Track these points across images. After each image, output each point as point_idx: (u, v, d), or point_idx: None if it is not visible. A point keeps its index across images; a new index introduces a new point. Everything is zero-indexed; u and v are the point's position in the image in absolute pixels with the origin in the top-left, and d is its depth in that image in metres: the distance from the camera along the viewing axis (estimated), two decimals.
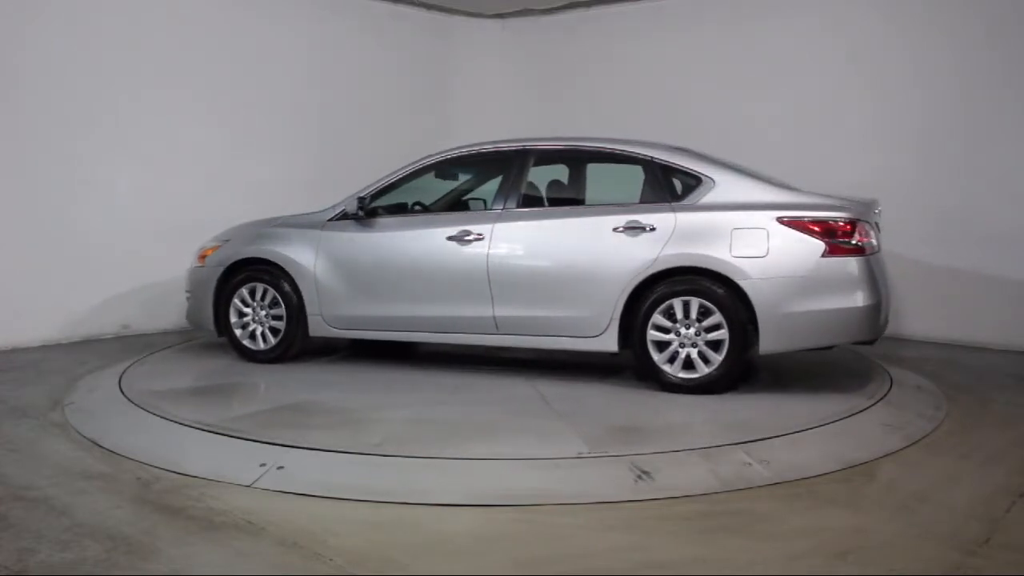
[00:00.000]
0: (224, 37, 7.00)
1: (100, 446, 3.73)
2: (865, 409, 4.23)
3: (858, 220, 4.39)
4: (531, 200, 5.03)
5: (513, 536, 2.82)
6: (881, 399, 4.44)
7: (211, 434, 3.73)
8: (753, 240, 4.42)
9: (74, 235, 6.20)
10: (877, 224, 4.67)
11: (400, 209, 5.35)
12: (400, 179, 5.25)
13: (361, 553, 2.66)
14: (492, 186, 5.20)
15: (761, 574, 2.54)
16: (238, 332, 5.42)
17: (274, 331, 5.33)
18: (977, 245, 6.26)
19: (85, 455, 3.62)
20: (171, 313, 6.78)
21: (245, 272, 5.39)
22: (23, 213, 5.96)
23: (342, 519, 2.94)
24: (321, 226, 5.28)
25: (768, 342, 4.41)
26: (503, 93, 8.73)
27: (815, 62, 6.95)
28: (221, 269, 5.45)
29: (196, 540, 2.73)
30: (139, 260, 6.54)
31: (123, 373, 4.97)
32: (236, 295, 5.41)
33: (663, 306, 4.53)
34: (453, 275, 4.93)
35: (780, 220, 4.41)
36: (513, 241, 4.86)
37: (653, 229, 4.57)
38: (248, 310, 5.40)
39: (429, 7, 8.43)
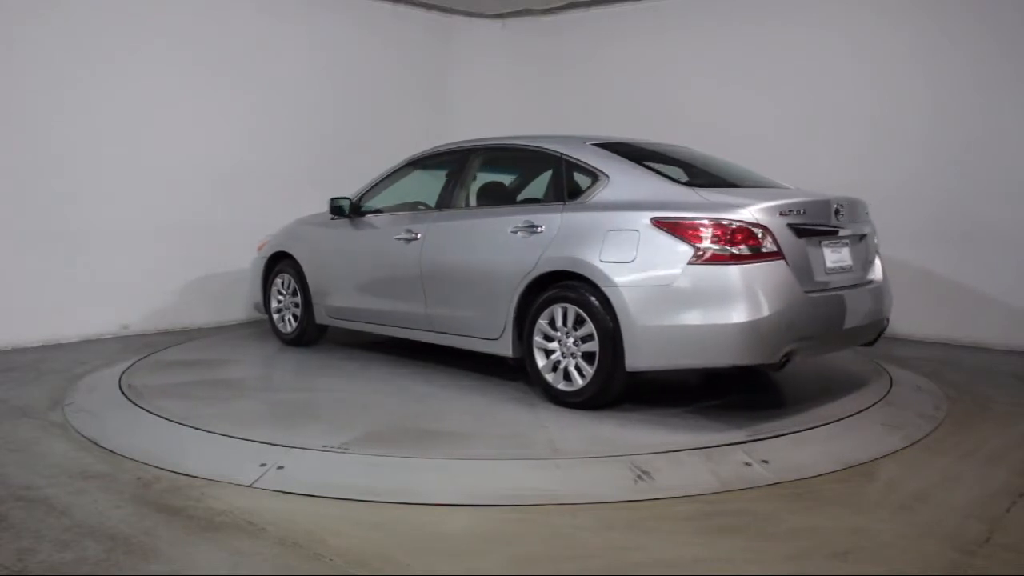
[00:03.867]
0: (224, 36, 7.00)
1: (100, 446, 3.73)
2: (865, 409, 4.24)
3: (747, 223, 3.80)
4: (470, 199, 5.12)
5: (513, 536, 2.82)
6: (881, 399, 4.44)
7: (211, 434, 3.74)
8: (624, 243, 3.99)
9: (74, 235, 6.20)
10: (796, 226, 3.94)
11: (388, 208, 5.60)
12: (381, 180, 5.62)
13: (361, 553, 2.66)
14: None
15: (761, 574, 2.54)
16: (275, 317, 6.15)
17: (296, 318, 5.99)
18: (978, 245, 6.27)
19: (85, 455, 3.62)
20: (171, 312, 6.79)
21: (280, 264, 6.09)
22: (23, 213, 5.96)
23: (342, 519, 2.93)
24: (324, 224, 5.78)
25: (633, 357, 3.94)
26: (503, 93, 8.73)
27: (816, 61, 6.96)
28: (264, 260, 6.22)
29: (196, 540, 2.73)
30: (139, 260, 6.54)
31: (123, 373, 4.97)
32: (274, 284, 6.12)
33: (546, 312, 4.28)
34: (399, 272, 5.16)
35: (654, 221, 3.94)
36: (440, 241, 4.94)
37: (541, 230, 4.37)
38: (282, 297, 6.08)
39: (429, 7, 8.44)
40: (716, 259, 3.75)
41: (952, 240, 6.37)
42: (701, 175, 4.59)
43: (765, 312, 3.73)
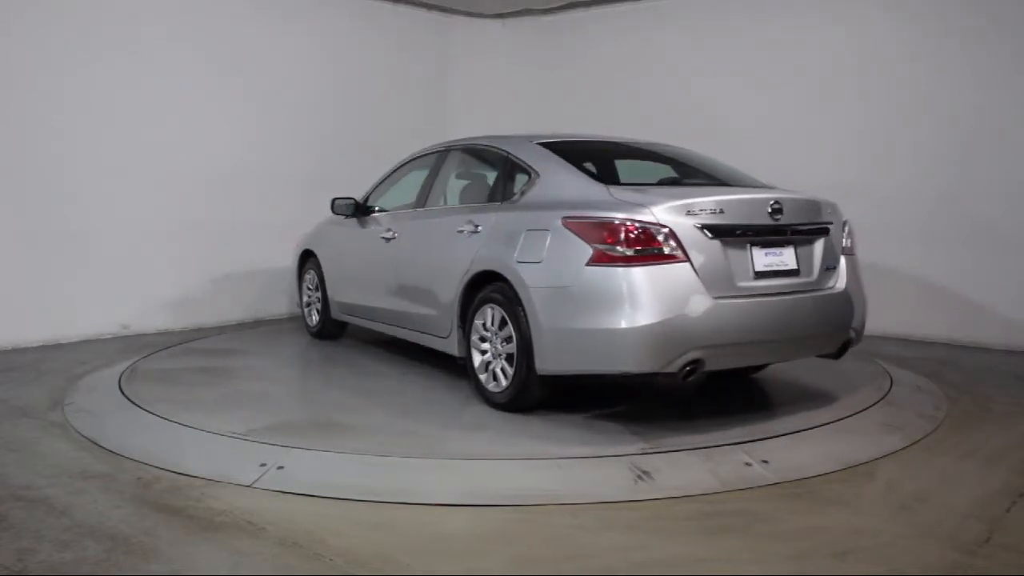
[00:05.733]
0: (224, 36, 7.00)
1: (100, 446, 3.72)
2: (865, 409, 4.23)
3: (645, 223, 3.59)
4: (436, 199, 5.20)
5: (513, 536, 2.82)
6: (881, 399, 4.44)
7: (211, 434, 3.74)
8: (537, 243, 3.90)
9: (74, 235, 6.19)
10: (709, 227, 3.68)
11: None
12: (383, 180, 5.81)
13: (361, 553, 2.66)
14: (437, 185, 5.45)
15: (761, 574, 2.54)
16: (305, 311, 6.48)
17: (319, 312, 6.26)
18: (978, 245, 6.26)
19: (85, 455, 3.62)
20: (170, 312, 6.79)
21: (309, 261, 6.37)
22: (23, 213, 5.96)
23: (342, 519, 2.93)
24: (338, 223, 5.98)
25: (541, 360, 3.83)
26: (503, 93, 8.74)
27: (817, 60, 6.95)
28: (296, 257, 6.55)
29: (196, 540, 2.73)
30: (139, 260, 6.54)
31: (123, 373, 4.98)
32: (304, 280, 6.44)
33: (480, 312, 4.25)
34: (382, 270, 5.34)
35: (563, 221, 3.80)
36: (410, 240, 5.08)
37: (479, 230, 4.35)
38: (310, 292, 6.38)
39: (429, 7, 8.44)
40: (611, 260, 3.59)
41: (952, 240, 6.37)
42: (656, 172, 4.54)
43: (658, 317, 3.50)
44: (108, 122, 6.33)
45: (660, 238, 3.59)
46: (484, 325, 4.24)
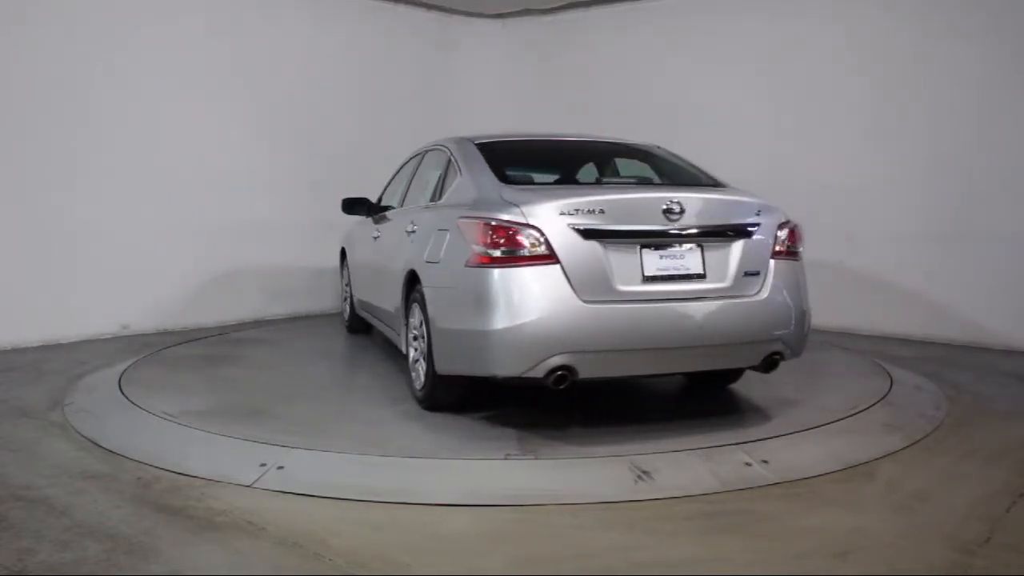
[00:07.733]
0: (225, 36, 7.01)
1: (100, 446, 3.72)
2: (865, 409, 4.23)
3: (513, 223, 3.50)
4: (408, 200, 5.29)
5: (513, 536, 2.82)
6: (881, 399, 4.44)
7: (211, 434, 3.74)
8: (440, 243, 3.89)
9: (74, 235, 6.19)
10: (585, 228, 3.50)
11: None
12: (390, 181, 5.97)
13: (361, 553, 2.66)
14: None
15: (761, 574, 2.54)
16: (343, 305, 6.88)
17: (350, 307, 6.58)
18: (977, 245, 6.25)
19: (85, 455, 3.62)
20: (170, 312, 6.79)
21: (345, 259, 6.73)
22: (23, 212, 5.96)
23: (342, 519, 2.93)
24: (359, 222, 6.15)
25: (438, 360, 3.79)
26: (503, 93, 8.74)
27: (816, 60, 6.95)
28: (339, 255, 6.91)
29: (196, 540, 2.73)
30: (139, 260, 6.54)
31: (123, 373, 4.98)
32: (342, 277, 6.87)
33: (411, 311, 4.29)
34: (371, 269, 5.54)
35: (458, 221, 3.75)
36: (385, 240, 5.20)
37: (416, 230, 4.39)
38: (346, 288, 6.74)
39: (429, 7, 8.44)
40: (483, 261, 3.52)
41: (952, 240, 6.36)
42: (591, 171, 4.59)
43: (517, 320, 3.40)
44: (108, 122, 6.33)
45: (528, 239, 3.48)
46: (414, 324, 4.29)
